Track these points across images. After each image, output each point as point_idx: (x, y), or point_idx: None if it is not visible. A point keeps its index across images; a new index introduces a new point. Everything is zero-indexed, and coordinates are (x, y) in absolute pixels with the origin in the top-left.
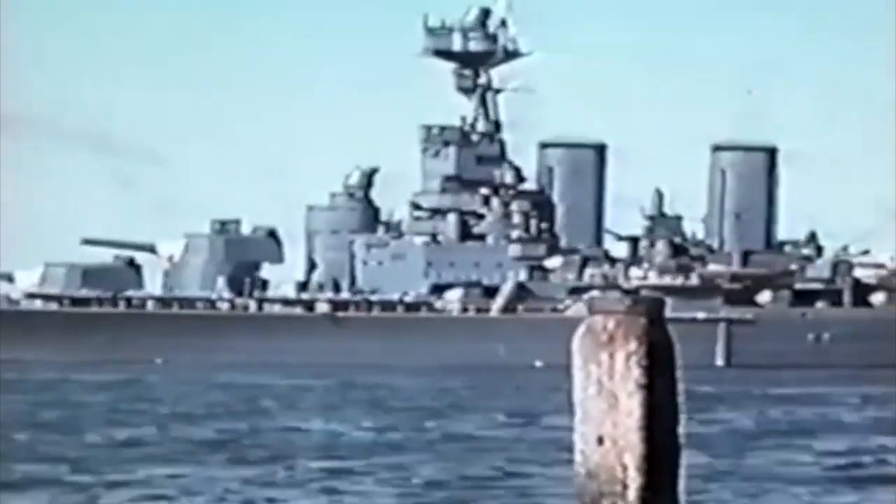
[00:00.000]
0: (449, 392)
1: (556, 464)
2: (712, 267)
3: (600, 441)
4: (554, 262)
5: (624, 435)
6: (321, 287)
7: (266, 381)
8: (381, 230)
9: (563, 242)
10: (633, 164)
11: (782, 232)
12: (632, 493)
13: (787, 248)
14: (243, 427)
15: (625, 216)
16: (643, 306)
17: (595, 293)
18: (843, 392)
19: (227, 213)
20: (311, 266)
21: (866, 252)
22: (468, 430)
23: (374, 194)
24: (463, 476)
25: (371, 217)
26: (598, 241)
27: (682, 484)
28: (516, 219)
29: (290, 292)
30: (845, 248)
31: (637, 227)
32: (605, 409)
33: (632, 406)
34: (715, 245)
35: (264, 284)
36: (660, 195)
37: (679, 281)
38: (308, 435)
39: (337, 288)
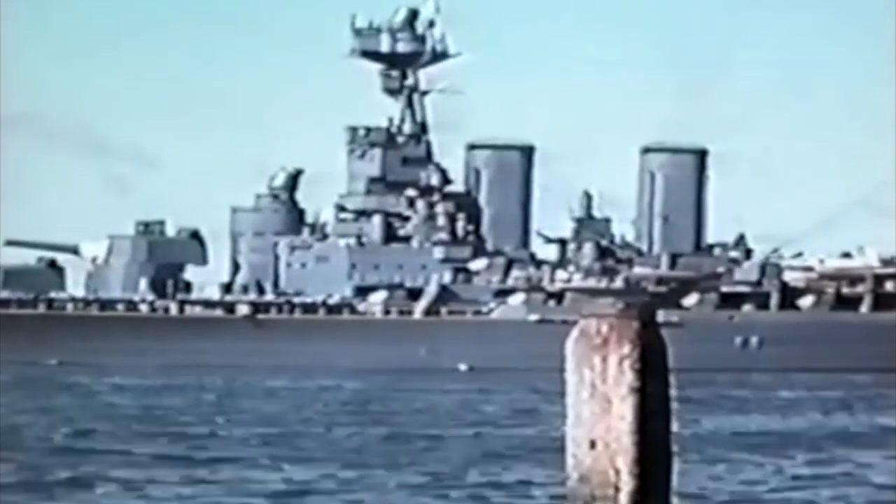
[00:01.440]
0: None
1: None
2: (638, 269)
3: (593, 445)
4: (478, 264)
5: (616, 438)
6: (245, 289)
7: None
8: (305, 232)
9: (489, 245)
10: (564, 166)
11: (712, 235)
12: (624, 497)
13: (717, 251)
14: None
15: (556, 218)
16: (636, 310)
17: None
18: (768, 397)
19: (152, 215)
20: (236, 268)
21: (799, 255)
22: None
23: (300, 196)
24: None
25: (296, 219)
26: (525, 243)
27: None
28: (441, 221)
29: (214, 294)
30: (775, 251)
31: (567, 229)
32: (597, 412)
33: (624, 410)
34: (644, 247)
35: (188, 286)
36: (588, 197)
37: (604, 284)
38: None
39: (261, 290)
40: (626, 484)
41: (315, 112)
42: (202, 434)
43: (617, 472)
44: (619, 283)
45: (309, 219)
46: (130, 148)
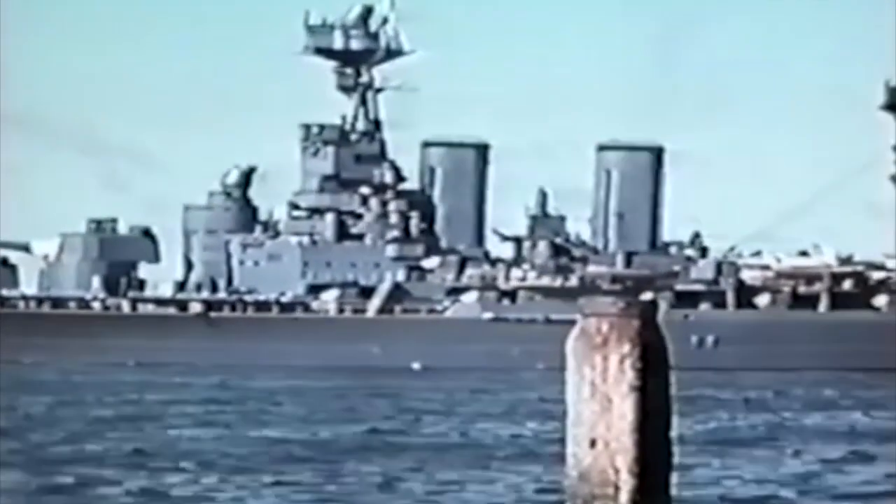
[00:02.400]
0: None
1: None
2: (592, 268)
3: (593, 443)
4: (431, 262)
5: (617, 437)
6: (199, 287)
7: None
8: (258, 230)
9: (443, 242)
10: (520, 164)
11: (669, 233)
12: (624, 496)
13: (673, 249)
14: None
15: (512, 216)
16: (636, 309)
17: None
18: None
19: (104, 212)
20: (189, 266)
21: (757, 253)
22: None
23: (254, 193)
24: None
25: (248, 217)
26: (480, 241)
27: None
28: (394, 219)
29: (168, 292)
30: (732, 249)
31: (523, 227)
32: (598, 411)
33: (625, 409)
34: (600, 245)
35: (141, 284)
36: (543, 195)
37: (558, 282)
38: None
39: (214, 288)
40: (626, 483)
41: (270, 109)
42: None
43: (617, 470)
44: (573, 281)
45: (262, 216)
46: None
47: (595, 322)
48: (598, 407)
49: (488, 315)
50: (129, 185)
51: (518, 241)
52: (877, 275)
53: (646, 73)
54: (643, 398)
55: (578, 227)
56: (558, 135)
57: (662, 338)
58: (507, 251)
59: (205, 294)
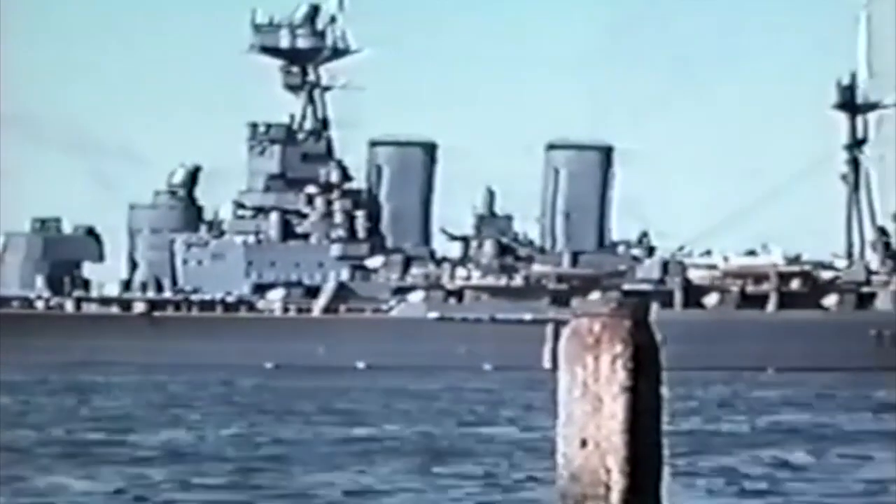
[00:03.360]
0: None
1: None
2: (537, 267)
3: (583, 444)
4: (375, 261)
5: (607, 437)
6: (144, 286)
7: None
8: (202, 229)
9: (389, 242)
10: (469, 163)
11: (618, 232)
12: (615, 496)
13: (620, 249)
14: None
15: (460, 215)
16: (628, 308)
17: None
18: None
19: (48, 212)
20: (134, 265)
21: (708, 253)
22: None
23: (201, 193)
24: None
25: (194, 216)
26: (426, 240)
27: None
28: (339, 218)
29: (114, 291)
30: (681, 249)
31: (471, 226)
32: (589, 411)
33: (616, 409)
34: (547, 245)
35: (86, 284)
36: (491, 194)
37: (503, 282)
38: None
39: (159, 287)
40: (617, 483)
41: (218, 108)
42: None
43: (608, 471)
44: (518, 280)
45: (209, 216)
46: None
47: (587, 322)
48: (589, 407)
49: (434, 314)
50: (73, 183)
51: (465, 240)
52: (826, 274)
53: (596, 72)
54: (634, 398)
55: (527, 226)
56: (507, 133)
57: (654, 338)
58: (454, 250)
59: (150, 293)
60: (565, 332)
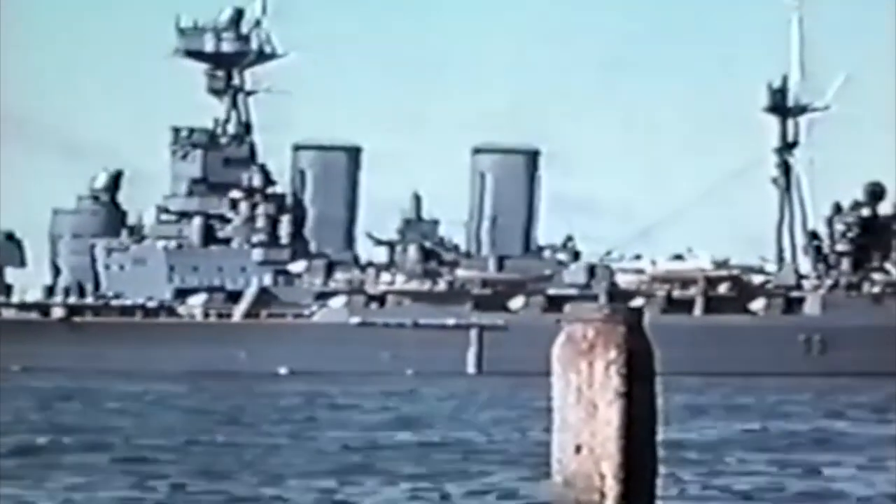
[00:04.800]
0: None
1: None
2: (461, 272)
3: (578, 449)
4: (298, 266)
5: (602, 443)
6: (67, 292)
7: None
8: (124, 234)
9: (313, 246)
10: (395, 168)
11: (545, 237)
12: (609, 502)
13: (547, 253)
14: None
15: (388, 220)
16: (622, 315)
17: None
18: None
19: None
20: (57, 271)
21: (638, 257)
22: None
23: (126, 197)
24: None
25: (116, 220)
26: (350, 245)
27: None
28: (261, 223)
29: (37, 297)
30: (609, 253)
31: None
32: (583, 417)
33: (610, 415)
34: (474, 250)
35: (8, 289)
36: (417, 199)
37: (426, 286)
38: None
39: (82, 292)
40: (612, 489)
41: (142, 112)
42: None
43: (602, 476)
44: (441, 285)
45: (132, 220)
46: None
47: (581, 328)
48: (584, 413)
49: (355, 320)
50: None
51: (391, 245)
52: (756, 279)
53: (523, 75)
54: (629, 404)
55: (453, 231)
56: (434, 138)
57: (648, 344)
58: (381, 255)
59: (72, 299)
60: (559, 337)
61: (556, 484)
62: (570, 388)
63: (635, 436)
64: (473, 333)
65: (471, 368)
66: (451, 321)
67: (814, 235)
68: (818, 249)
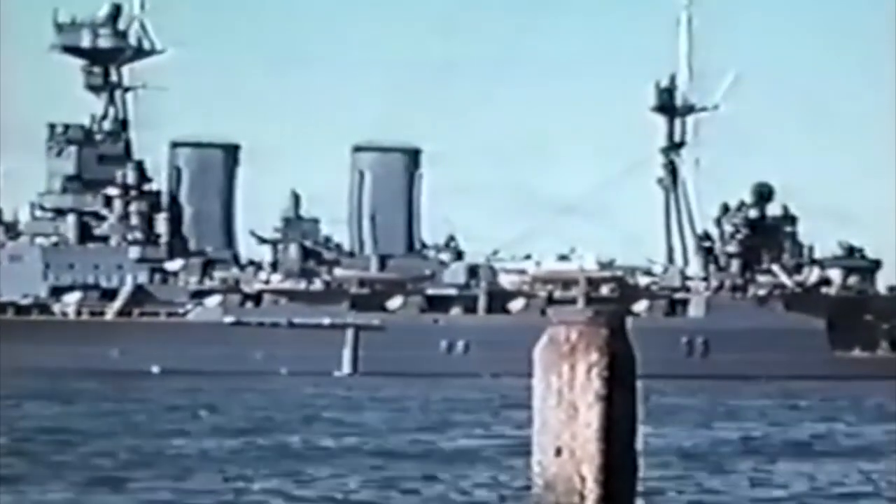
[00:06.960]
0: None
1: None
2: (339, 271)
3: (558, 452)
4: (174, 264)
5: (582, 446)
6: None
7: None
8: (1, 231)
9: (191, 244)
10: (276, 165)
11: (430, 236)
12: None
13: (430, 253)
14: None
15: (270, 218)
16: (605, 317)
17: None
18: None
19: None
20: None
21: (527, 257)
22: None
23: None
24: None
25: None
26: (229, 243)
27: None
28: (136, 220)
29: None
30: (495, 253)
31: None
32: (563, 419)
33: (591, 417)
34: (357, 249)
35: None
36: (296, 197)
37: (303, 285)
38: None
39: None
40: (592, 491)
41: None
42: None
43: (582, 479)
44: (318, 284)
45: (7, 217)
46: None
47: (563, 331)
48: (564, 415)
49: (229, 319)
50: None
51: (274, 243)
52: (642, 280)
53: (404, 74)
54: (609, 407)
55: (336, 230)
56: (314, 135)
57: (630, 347)
58: (264, 254)
59: None
60: (541, 339)
61: (536, 487)
62: (550, 390)
63: (616, 439)
64: (349, 333)
65: (346, 368)
66: (326, 321)
67: (705, 236)
68: (709, 250)
